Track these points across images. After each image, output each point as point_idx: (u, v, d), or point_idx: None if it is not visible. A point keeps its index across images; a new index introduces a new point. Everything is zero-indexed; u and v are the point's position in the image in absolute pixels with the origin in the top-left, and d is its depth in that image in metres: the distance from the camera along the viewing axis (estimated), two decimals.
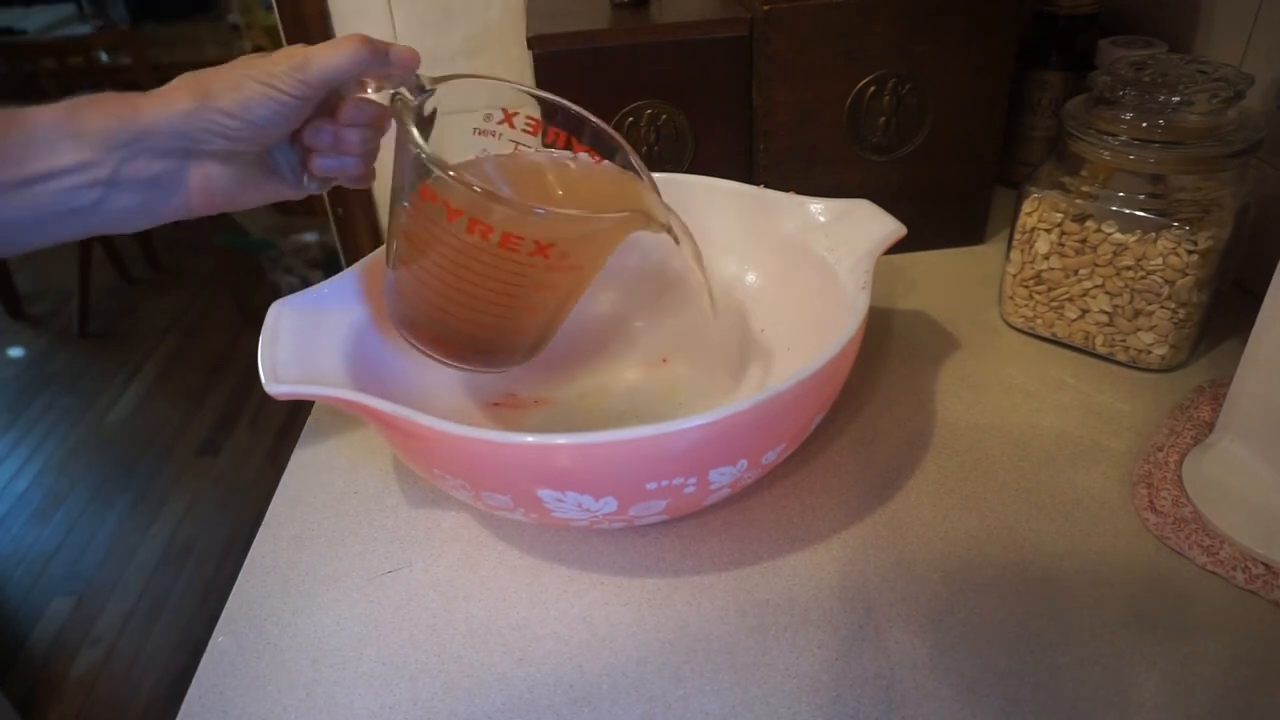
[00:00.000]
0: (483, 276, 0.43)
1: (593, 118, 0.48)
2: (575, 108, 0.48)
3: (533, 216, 0.41)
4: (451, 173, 0.40)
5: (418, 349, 0.47)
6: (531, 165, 0.50)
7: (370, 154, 0.46)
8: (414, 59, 0.43)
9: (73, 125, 0.38)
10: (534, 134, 0.49)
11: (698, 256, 0.48)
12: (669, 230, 0.47)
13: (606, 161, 0.50)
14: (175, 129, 0.39)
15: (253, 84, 0.39)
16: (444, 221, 0.41)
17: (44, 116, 0.37)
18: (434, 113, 0.45)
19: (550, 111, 0.48)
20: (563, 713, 0.38)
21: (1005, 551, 0.44)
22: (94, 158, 0.38)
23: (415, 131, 0.41)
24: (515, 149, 0.50)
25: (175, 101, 0.39)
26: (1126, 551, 0.44)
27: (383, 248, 0.51)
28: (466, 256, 0.42)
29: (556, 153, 0.50)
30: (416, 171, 0.41)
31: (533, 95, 0.48)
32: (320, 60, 0.40)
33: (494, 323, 0.46)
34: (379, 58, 0.41)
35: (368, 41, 0.41)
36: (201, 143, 0.40)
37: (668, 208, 0.47)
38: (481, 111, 0.48)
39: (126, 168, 0.39)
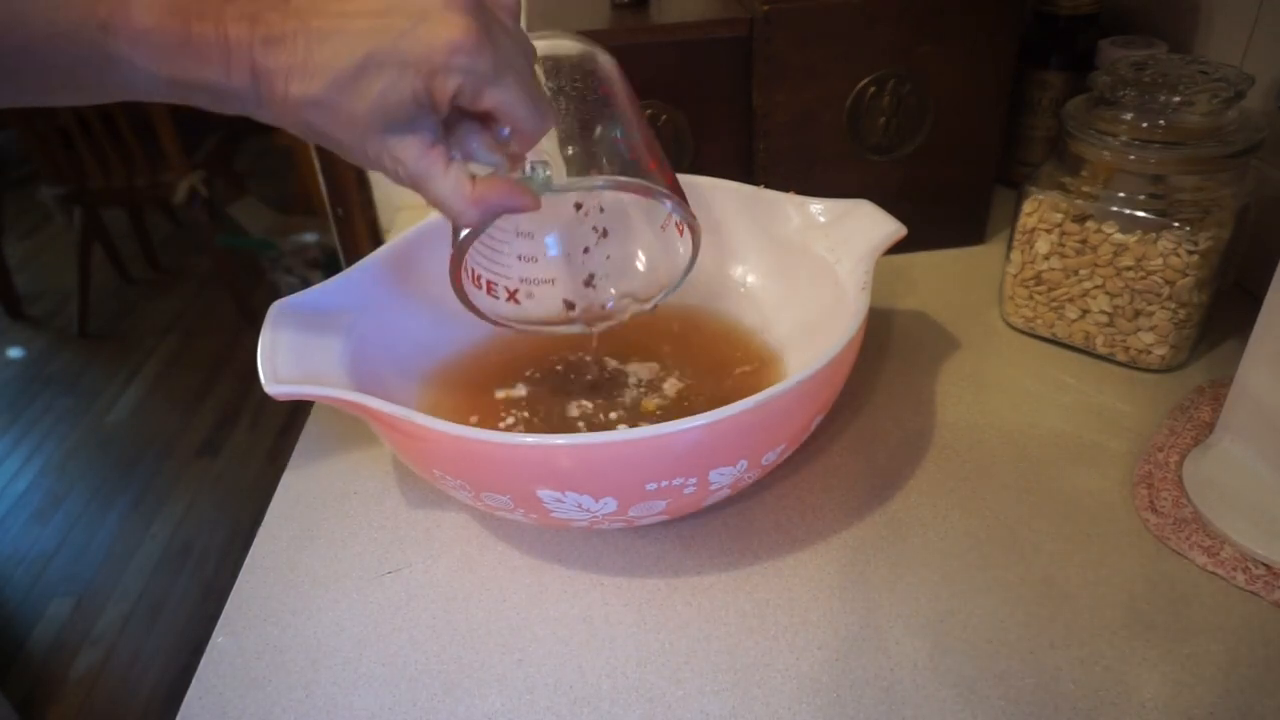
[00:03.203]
0: None
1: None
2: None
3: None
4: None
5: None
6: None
7: None
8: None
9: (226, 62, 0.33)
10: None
11: None
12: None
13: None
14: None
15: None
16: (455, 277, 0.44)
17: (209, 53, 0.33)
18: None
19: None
20: (562, 713, 0.38)
21: (1005, 552, 0.44)
22: (237, 87, 0.34)
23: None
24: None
25: (311, 85, 0.33)
26: (1126, 552, 0.44)
27: (381, 249, 0.52)
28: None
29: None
30: (468, 248, 0.41)
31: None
32: (488, 202, 0.37)
33: None
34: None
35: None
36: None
37: None
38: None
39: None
